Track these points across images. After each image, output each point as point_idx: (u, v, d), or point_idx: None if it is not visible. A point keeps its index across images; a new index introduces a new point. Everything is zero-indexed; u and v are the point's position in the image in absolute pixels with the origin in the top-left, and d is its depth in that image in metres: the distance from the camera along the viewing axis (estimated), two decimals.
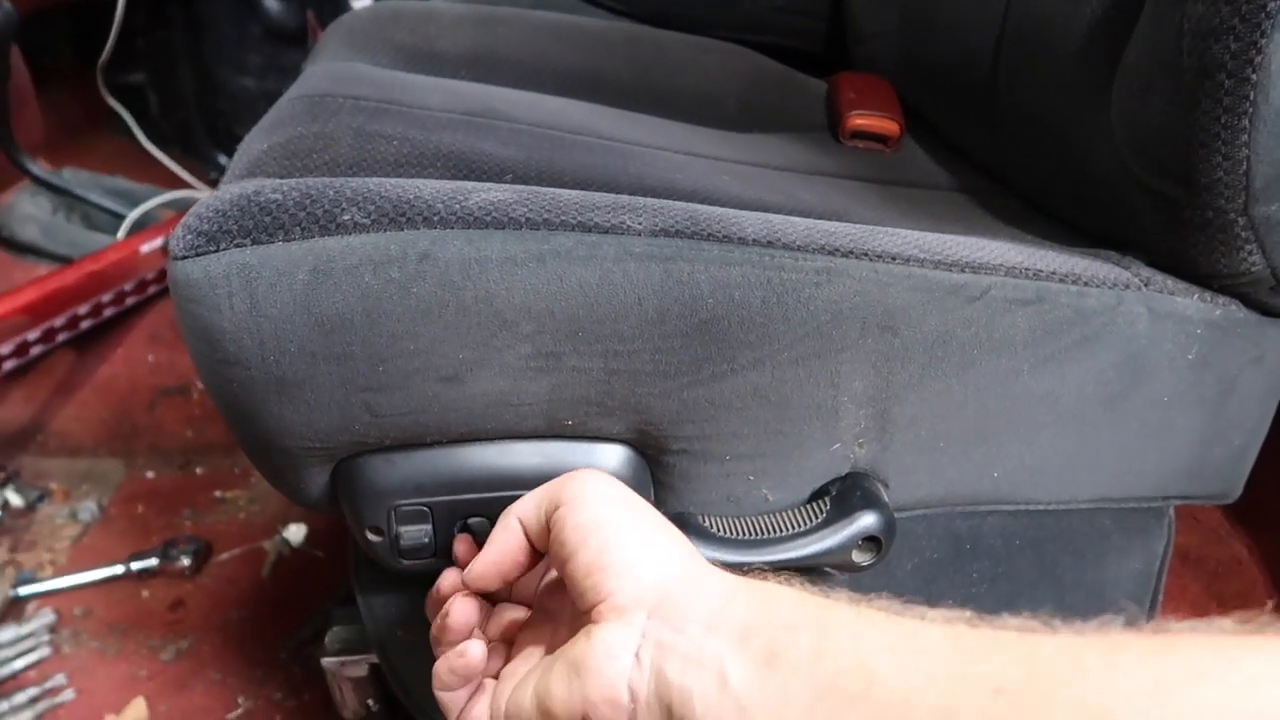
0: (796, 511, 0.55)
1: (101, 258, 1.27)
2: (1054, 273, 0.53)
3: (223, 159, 1.79)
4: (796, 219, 0.54)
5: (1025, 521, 0.60)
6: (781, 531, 0.54)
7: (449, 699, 0.46)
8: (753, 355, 0.49)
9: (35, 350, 1.18)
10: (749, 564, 0.53)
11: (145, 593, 1.13)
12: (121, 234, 1.46)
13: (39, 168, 1.46)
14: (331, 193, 0.47)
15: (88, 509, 1.23)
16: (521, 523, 0.45)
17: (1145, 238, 0.59)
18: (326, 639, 0.79)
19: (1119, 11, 0.60)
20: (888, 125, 0.83)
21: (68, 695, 0.99)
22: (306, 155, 0.58)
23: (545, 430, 0.51)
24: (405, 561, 0.54)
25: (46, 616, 1.08)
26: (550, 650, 0.45)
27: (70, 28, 1.68)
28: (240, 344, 0.45)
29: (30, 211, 1.46)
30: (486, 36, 0.86)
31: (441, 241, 0.45)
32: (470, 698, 0.46)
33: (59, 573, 1.14)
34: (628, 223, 0.48)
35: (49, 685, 1.00)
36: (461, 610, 0.47)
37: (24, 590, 1.10)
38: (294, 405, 0.47)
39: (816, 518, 0.54)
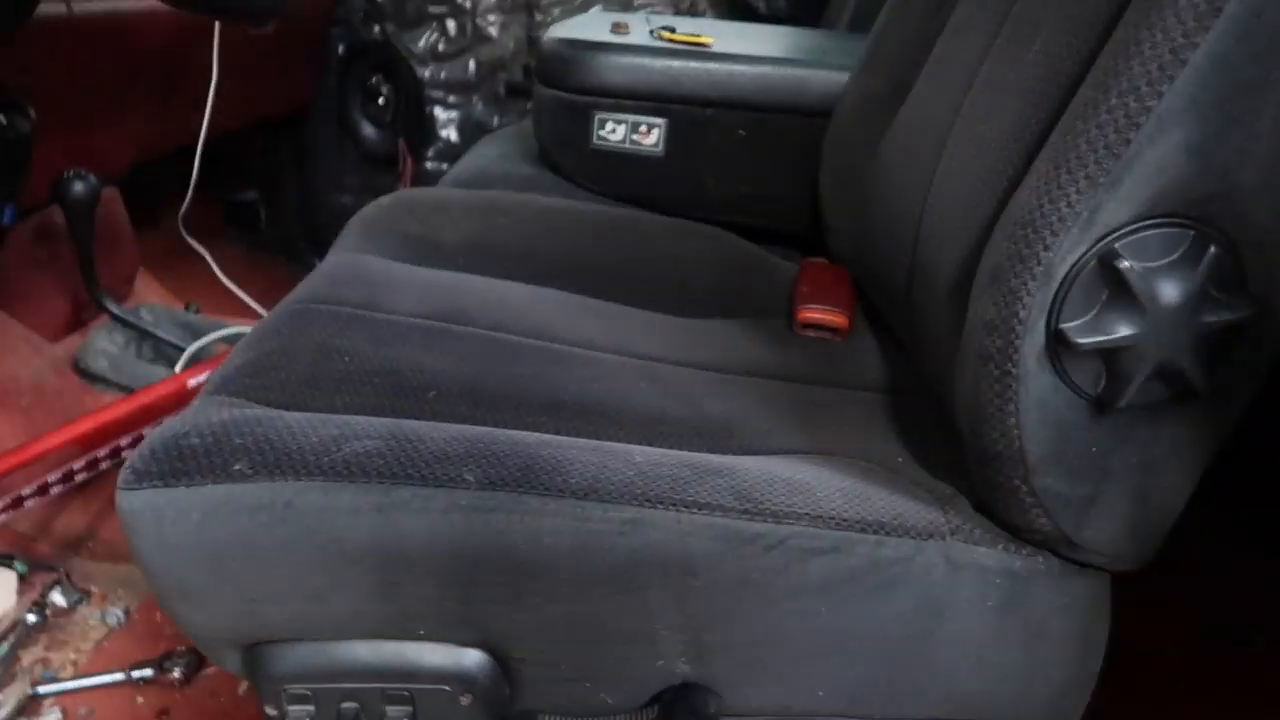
0: (631, 717, 0.63)
1: (152, 391, 1.37)
2: (857, 521, 0.59)
3: None
4: (653, 448, 0.62)
5: None
6: None
7: None
8: (567, 590, 0.58)
9: (80, 477, 1.28)
10: None
11: (139, 699, 1.21)
12: (179, 367, 1.58)
13: (115, 306, 1.61)
14: (237, 440, 0.59)
15: (114, 614, 1.33)
16: None
17: (972, 487, 0.63)
18: None
19: (969, 267, 0.65)
20: (836, 319, 0.89)
21: None
22: (266, 373, 0.71)
23: (405, 635, 0.61)
24: None
25: (54, 715, 1.17)
26: None
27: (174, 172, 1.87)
28: (153, 564, 0.58)
29: (103, 346, 1.62)
30: (484, 225, 0.98)
31: (303, 492, 0.57)
32: None
33: (79, 673, 1.24)
34: (465, 475, 0.58)
35: None
36: None
37: (43, 689, 1.18)
38: (198, 609, 0.59)
39: None
